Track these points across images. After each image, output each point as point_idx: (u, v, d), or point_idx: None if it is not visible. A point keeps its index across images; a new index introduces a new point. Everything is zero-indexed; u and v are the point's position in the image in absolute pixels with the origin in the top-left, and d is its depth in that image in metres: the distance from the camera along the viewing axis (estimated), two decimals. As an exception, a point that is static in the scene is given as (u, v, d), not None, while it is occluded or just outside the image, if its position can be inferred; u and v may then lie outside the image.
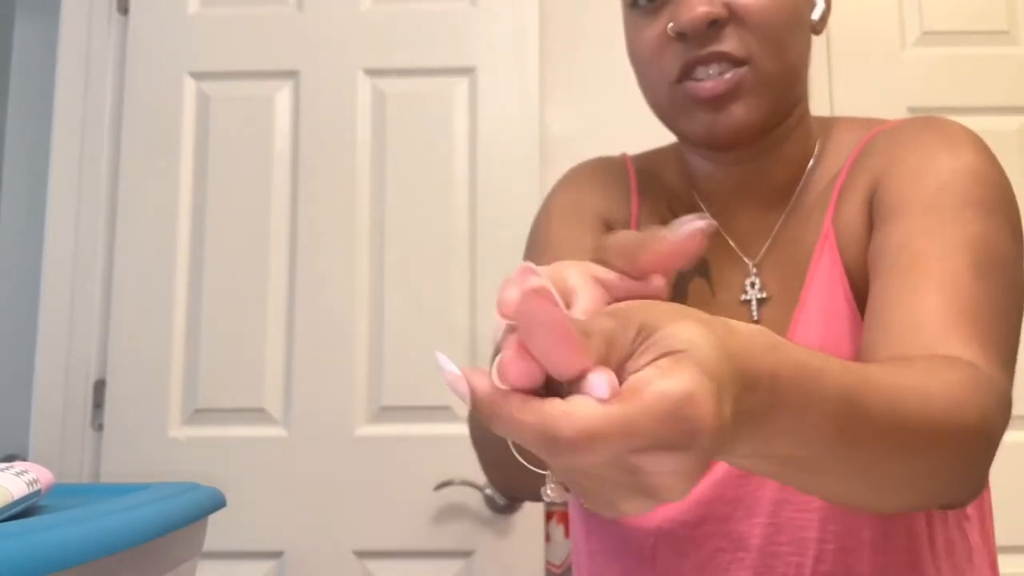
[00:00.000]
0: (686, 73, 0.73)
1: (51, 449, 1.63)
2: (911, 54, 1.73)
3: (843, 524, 0.70)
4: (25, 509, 0.48)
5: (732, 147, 0.76)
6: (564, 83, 1.75)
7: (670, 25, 0.73)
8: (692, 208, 0.83)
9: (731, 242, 0.80)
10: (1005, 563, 0.78)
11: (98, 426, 1.65)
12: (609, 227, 0.84)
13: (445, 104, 1.69)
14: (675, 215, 0.83)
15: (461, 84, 1.69)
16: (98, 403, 1.66)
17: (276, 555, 1.58)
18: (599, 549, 0.80)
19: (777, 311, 0.76)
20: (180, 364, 1.64)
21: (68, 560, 0.37)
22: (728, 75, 0.72)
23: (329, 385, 1.61)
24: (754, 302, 0.77)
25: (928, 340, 0.59)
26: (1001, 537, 0.77)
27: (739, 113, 0.72)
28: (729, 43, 0.72)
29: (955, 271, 0.63)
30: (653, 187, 0.86)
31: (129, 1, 1.75)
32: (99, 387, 1.66)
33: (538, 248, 0.84)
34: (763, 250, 0.79)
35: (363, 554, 1.58)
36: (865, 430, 0.46)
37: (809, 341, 0.71)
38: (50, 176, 1.72)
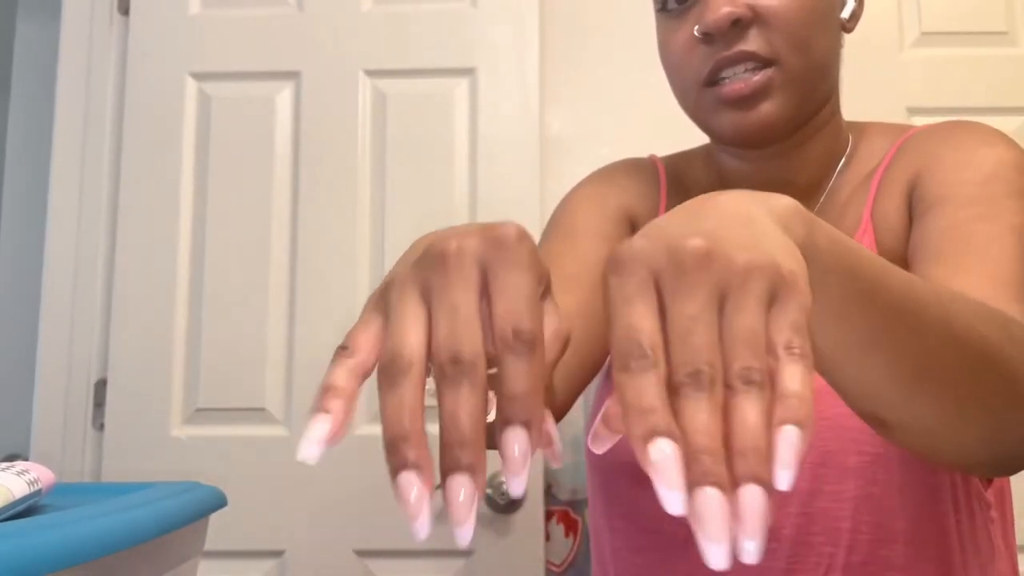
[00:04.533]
0: (714, 75, 0.74)
1: (52, 448, 1.63)
2: (910, 55, 1.73)
3: (877, 515, 0.70)
4: (26, 508, 0.49)
5: (761, 144, 0.77)
6: (564, 83, 1.75)
7: (696, 27, 0.74)
8: None
9: None
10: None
11: (99, 425, 1.65)
12: (634, 222, 0.85)
13: (445, 104, 1.69)
14: None
15: (461, 84, 1.69)
16: (99, 402, 1.66)
17: (277, 554, 1.59)
18: (626, 544, 0.80)
19: None
20: (181, 363, 1.64)
21: (69, 559, 0.37)
22: (756, 77, 0.73)
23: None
24: None
25: None
26: (1020, 536, 0.77)
27: (767, 111, 0.74)
28: (754, 43, 0.73)
29: (1000, 254, 0.64)
30: (681, 189, 0.87)
31: (130, 2, 1.75)
32: (100, 386, 1.67)
33: (559, 232, 0.85)
34: None
35: (364, 553, 1.58)
36: (883, 306, 0.47)
37: None
38: (51, 176, 1.72)
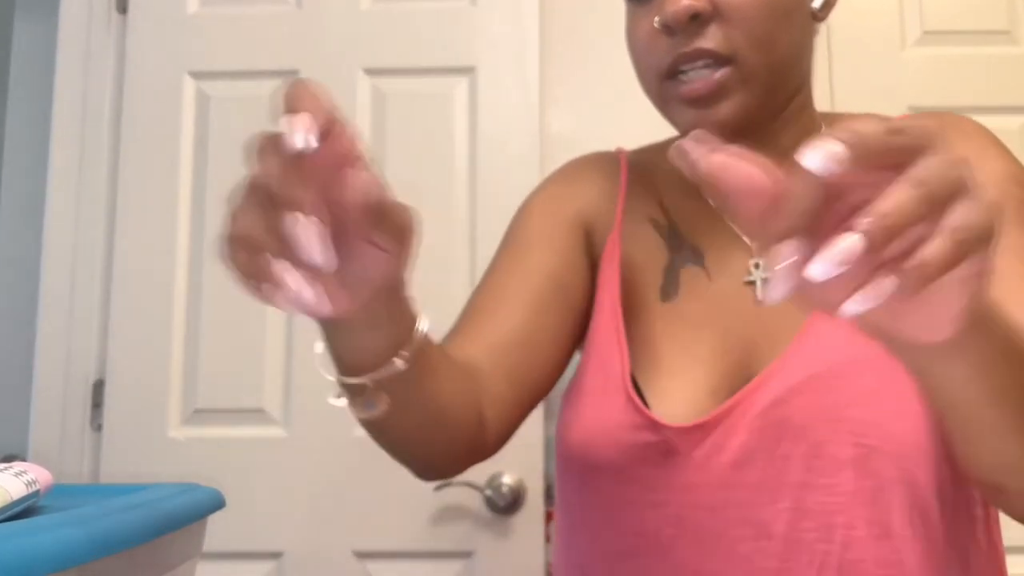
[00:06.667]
0: (673, 68, 0.74)
1: (50, 449, 1.63)
2: (911, 54, 1.73)
3: (872, 510, 0.68)
4: (24, 510, 0.48)
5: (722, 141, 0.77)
6: (564, 83, 1.74)
7: (656, 19, 0.74)
8: (689, 197, 0.83)
9: (733, 225, 0.80)
10: (1013, 563, 0.77)
11: (97, 426, 1.65)
12: (589, 226, 0.85)
13: (445, 104, 1.69)
14: (666, 209, 0.84)
15: (461, 84, 1.69)
16: (97, 403, 1.65)
17: (276, 556, 1.58)
18: (605, 551, 0.78)
19: None
20: (179, 364, 1.64)
21: (67, 560, 0.37)
22: (716, 75, 0.72)
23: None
24: (759, 282, 0.76)
25: None
26: (1009, 538, 0.77)
27: (724, 111, 0.73)
28: (712, 40, 0.72)
29: (1005, 271, 0.63)
30: (646, 182, 0.86)
31: (128, 0, 1.75)
32: (98, 387, 1.66)
33: (512, 244, 0.86)
34: None
35: (363, 555, 1.58)
36: None
37: (827, 319, 0.72)
38: (49, 176, 1.71)
